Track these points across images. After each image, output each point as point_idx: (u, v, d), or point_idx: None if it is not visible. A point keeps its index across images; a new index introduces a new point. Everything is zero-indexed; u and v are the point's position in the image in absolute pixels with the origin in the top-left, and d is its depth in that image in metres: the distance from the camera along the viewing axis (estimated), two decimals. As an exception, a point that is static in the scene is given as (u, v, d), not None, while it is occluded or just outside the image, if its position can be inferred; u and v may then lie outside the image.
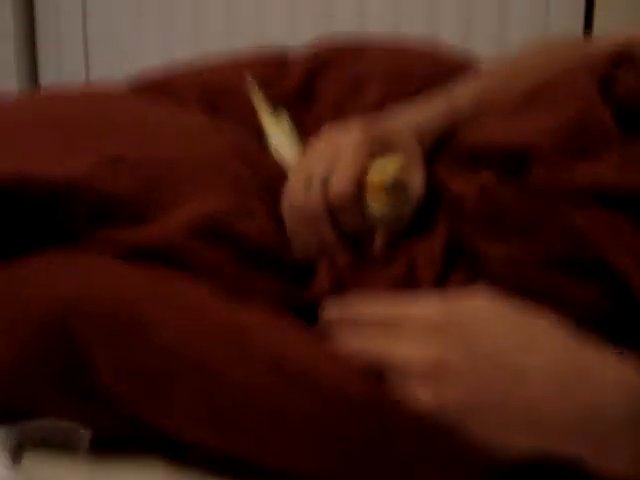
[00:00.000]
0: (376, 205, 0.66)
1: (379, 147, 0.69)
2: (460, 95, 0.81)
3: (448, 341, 0.52)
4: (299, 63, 0.92)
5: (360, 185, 0.66)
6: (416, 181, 0.70)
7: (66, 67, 1.87)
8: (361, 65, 0.91)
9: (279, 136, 0.82)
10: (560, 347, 0.52)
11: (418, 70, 0.91)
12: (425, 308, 0.54)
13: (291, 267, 0.65)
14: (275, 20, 1.70)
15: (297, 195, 0.68)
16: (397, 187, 0.66)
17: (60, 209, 0.58)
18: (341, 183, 0.66)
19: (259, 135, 0.86)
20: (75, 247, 0.58)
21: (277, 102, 0.87)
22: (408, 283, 0.63)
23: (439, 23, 1.60)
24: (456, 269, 0.64)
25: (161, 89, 0.89)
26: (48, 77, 1.89)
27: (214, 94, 0.89)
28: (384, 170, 0.67)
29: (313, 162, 0.69)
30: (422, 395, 0.51)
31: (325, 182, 0.66)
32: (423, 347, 0.52)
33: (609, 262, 0.55)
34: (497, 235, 0.61)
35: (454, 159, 0.71)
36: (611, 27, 1.48)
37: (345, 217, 0.67)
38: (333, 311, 0.58)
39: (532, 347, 0.51)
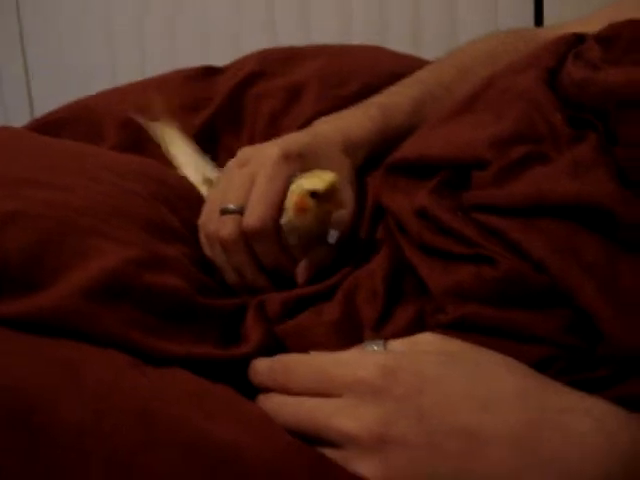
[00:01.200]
0: (298, 223, 0.59)
1: (300, 165, 0.62)
2: (398, 101, 0.74)
3: (392, 406, 0.44)
4: (226, 79, 0.84)
5: (277, 212, 0.60)
6: (345, 198, 0.63)
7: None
8: (296, 72, 0.84)
9: (184, 155, 0.76)
10: (522, 400, 0.44)
11: (357, 73, 0.84)
12: (363, 368, 0.46)
13: (218, 314, 0.57)
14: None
15: (210, 224, 0.63)
16: (329, 198, 0.59)
17: None
18: (255, 211, 0.60)
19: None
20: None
21: (204, 125, 0.81)
22: (348, 327, 0.55)
23: (387, 30, 1.53)
24: (402, 301, 0.57)
25: (75, 121, 0.82)
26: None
27: (135, 120, 0.82)
28: (313, 180, 0.59)
29: (227, 188, 0.63)
30: (365, 470, 0.44)
31: (240, 210, 0.61)
32: (364, 415, 0.44)
33: (568, 290, 0.48)
34: (440, 263, 0.54)
35: (393, 171, 0.63)
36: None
37: (262, 248, 0.61)
38: (261, 374, 0.50)
39: (489, 404, 0.44)
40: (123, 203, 0.60)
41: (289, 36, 1.58)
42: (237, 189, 0.62)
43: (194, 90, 0.84)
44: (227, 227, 0.61)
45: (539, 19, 1.45)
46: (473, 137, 0.59)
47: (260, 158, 0.63)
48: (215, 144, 0.82)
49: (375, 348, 0.48)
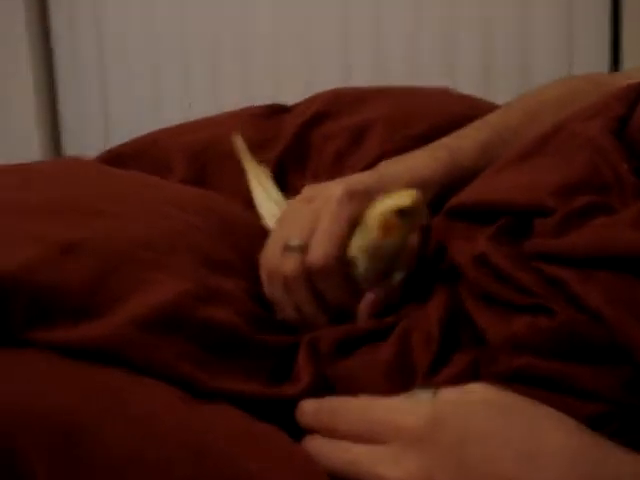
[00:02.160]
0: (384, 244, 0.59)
1: (364, 204, 0.62)
2: (467, 144, 0.73)
3: (436, 456, 0.43)
4: (293, 118, 0.85)
5: (341, 250, 0.60)
6: (411, 239, 0.62)
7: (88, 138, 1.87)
8: (363, 113, 0.85)
9: (262, 196, 0.76)
10: (570, 457, 0.43)
11: (424, 114, 0.83)
12: (409, 416, 0.45)
13: (270, 351, 0.57)
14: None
15: (273, 260, 0.62)
16: (414, 216, 0.59)
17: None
18: (319, 249, 0.60)
19: (249, 199, 0.80)
20: (13, 349, 0.51)
21: (271, 163, 0.82)
22: (401, 370, 0.55)
23: (458, 73, 1.53)
24: (458, 348, 0.56)
25: (144, 154, 0.84)
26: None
27: (203, 155, 0.83)
28: (397, 198, 0.60)
29: (291, 224, 0.63)
30: None
31: (303, 247, 0.61)
32: (408, 464, 0.44)
33: (626, 345, 0.46)
34: (498, 312, 0.53)
35: (454, 216, 0.62)
36: None
37: (325, 286, 0.61)
38: (308, 416, 0.50)
39: (536, 458, 0.43)
40: (184, 237, 0.61)
41: (361, 76, 1.59)
42: (301, 226, 0.63)
43: (262, 128, 0.85)
44: (289, 264, 0.61)
45: (615, 65, 1.42)
46: (536, 184, 0.58)
47: (325, 196, 0.63)
48: (282, 183, 0.82)
49: (424, 396, 0.47)
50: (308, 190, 0.66)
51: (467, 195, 0.62)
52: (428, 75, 1.55)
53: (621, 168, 0.56)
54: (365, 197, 0.62)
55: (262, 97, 1.66)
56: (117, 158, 0.85)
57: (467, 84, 1.51)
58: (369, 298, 0.61)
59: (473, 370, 0.53)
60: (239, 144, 0.81)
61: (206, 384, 0.51)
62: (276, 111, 0.89)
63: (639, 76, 0.77)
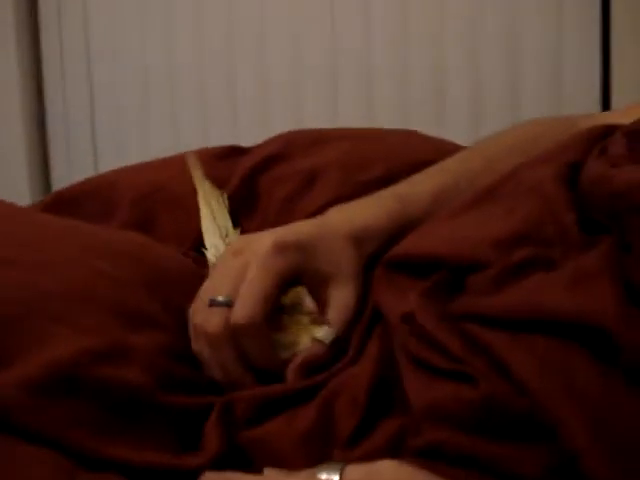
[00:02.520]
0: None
1: (295, 257, 0.58)
2: (419, 191, 0.69)
3: None
4: (246, 160, 0.82)
5: (267, 308, 0.57)
6: (343, 297, 0.58)
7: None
8: (316, 156, 0.81)
9: (207, 223, 0.73)
10: None
11: (381, 159, 0.79)
12: None
13: (181, 414, 0.52)
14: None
15: (199, 315, 0.58)
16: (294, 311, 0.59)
17: None
18: (244, 306, 0.56)
19: (194, 244, 0.76)
20: None
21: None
22: (320, 439, 0.50)
23: (446, 104, 1.49)
24: (389, 413, 0.51)
25: (96, 194, 0.80)
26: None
27: (150, 197, 0.80)
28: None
29: (218, 278, 0.59)
30: None
31: (229, 303, 0.57)
32: None
33: (550, 422, 0.41)
34: (424, 377, 0.48)
35: (392, 267, 0.58)
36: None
37: (250, 345, 0.56)
38: None
39: None
40: (97, 287, 0.57)
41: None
42: (227, 280, 0.59)
43: (216, 169, 0.81)
44: (214, 320, 0.57)
45: (605, 103, 1.38)
46: (475, 236, 0.53)
47: (254, 248, 0.59)
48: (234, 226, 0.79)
49: (329, 475, 0.43)
50: (239, 241, 0.62)
51: (406, 245, 0.58)
52: (416, 104, 1.52)
53: (566, 218, 0.51)
54: (296, 249, 0.58)
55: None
56: (66, 199, 0.82)
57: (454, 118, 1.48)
58: (297, 359, 0.56)
59: (396, 442, 0.48)
60: (193, 163, 0.78)
61: (97, 452, 0.46)
62: (233, 153, 0.86)
63: (617, 117, 0.73)
